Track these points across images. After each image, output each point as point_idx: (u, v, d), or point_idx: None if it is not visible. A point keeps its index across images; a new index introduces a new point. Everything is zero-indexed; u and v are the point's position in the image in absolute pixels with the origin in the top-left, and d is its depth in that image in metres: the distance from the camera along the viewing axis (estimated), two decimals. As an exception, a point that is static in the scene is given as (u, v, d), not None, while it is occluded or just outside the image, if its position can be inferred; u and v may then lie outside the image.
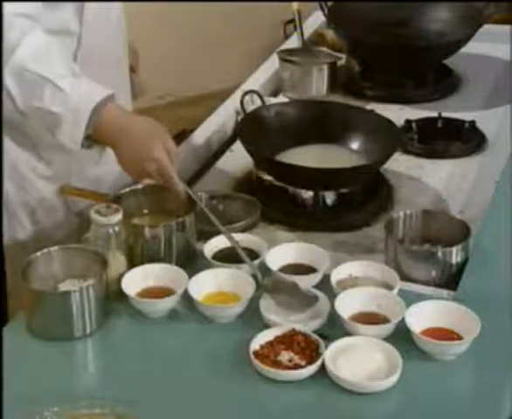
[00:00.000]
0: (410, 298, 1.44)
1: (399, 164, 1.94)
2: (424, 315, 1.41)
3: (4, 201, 1.75)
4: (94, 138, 1.58)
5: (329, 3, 2.40)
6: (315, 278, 1.53)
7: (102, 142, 1.59)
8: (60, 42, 1.63)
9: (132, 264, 1.52)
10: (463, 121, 2.10)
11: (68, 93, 1.54)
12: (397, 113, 2.11)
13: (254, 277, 1.50)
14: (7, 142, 1.72)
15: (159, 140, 1.57)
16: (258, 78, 2.33)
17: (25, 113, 1.57)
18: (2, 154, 1.76)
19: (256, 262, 1.55)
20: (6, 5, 1.51)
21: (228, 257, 1.58)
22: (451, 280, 1.54)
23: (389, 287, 1.49)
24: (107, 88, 1.58)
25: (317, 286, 1.51)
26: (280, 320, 1.42)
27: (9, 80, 1.54)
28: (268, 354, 1.35)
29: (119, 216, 1.48)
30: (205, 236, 1.62)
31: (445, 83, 2.36)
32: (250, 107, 2.05)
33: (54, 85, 1.54)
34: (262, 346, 1.37)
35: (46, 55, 1.57)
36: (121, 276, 1.49)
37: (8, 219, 1.77)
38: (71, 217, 1.82)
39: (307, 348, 1.36)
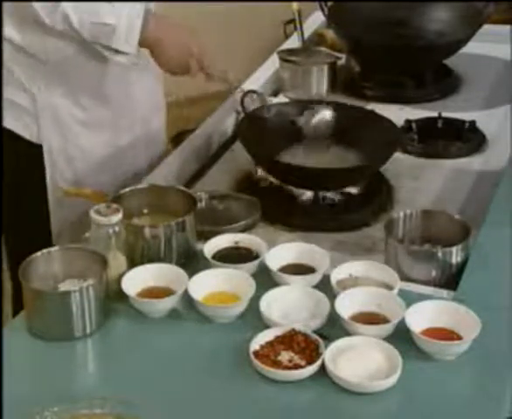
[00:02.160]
0: (410, 298, 1.44)
1: (399, 164, 1.94)
2: (424, 315, 1.41)
3: (46, 151, 1.89)
4: (141, 42, 1.78)
5: (329, 3, 2.40)
6: (315, 278, 1.53)
7: (146, 45, 1.80)
8: None
9: (132, 264, 1.52)
10: (463, 121, 2.10)
11: (119, 6, 1.75)
12: (397, 113, 2.11)
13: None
14: (51, 90, 1.85)
15: (190, 40, 1.86)
16: (258, 78, 2.33)
17: (80, 30, 1.75)
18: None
19: (256, 262, 1.55)
20: None
21: (228, 257, 1.58)
22: (451, 280, 1.54)
23: (389, 287, 1.49)
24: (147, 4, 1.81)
25: (317, 286, 1.51)
26: (280, 320, 1.42)
27: (67, 6, 1.72)
28: (268, 354, 1.35)
29: (119, 216, 1.48)
30: (205, 236, 1.62)
31: (445, 83, 2.36)
32: (250, 107, 2.05)
33: (107, 1, 1.74)
34: (262, 346, 1.37)
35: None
36: (120, 276, 1.49)
37: (50, 166, 1.90)
38: (111, 166, 1.96)
39: (307, 348, 1.36)
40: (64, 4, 1.72)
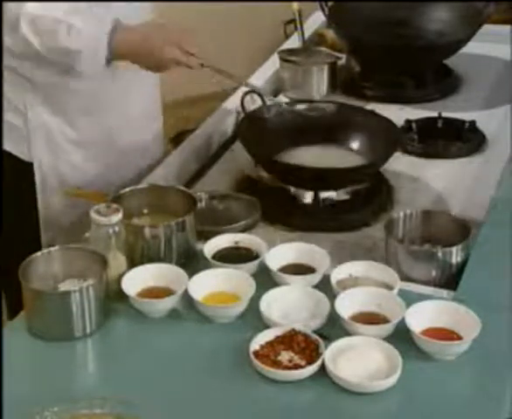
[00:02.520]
0: (410, 298, 1.44)
1: (399, 164, 1.94)
2: (424, 315, 1.41)
3: (38, 167, 1.86)
4: (112, 58, 1.73)
5: (329, 3, 2.40)
6: (315, 278, 1.53)
7: (121, 61, 1.75)
8: None
9: (132, 264, 1.52)
10: (463, 121, 2.10)
11: (81, 28, 1.69)
12: (397, 113, 2.11)
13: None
14: (40, 107, 1.82)
15: (167, 39, 1.75)
16: (258, 79, 2.33)
17: (46, 56, 1.71)
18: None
19: (256, 262, 1.55)
20: None
21: (228, 257, 1.58)
22: (451, 280, 1.54)
23: (389, 287, 1.49)
24: (111, 19, 1.73)
25: (317, 286, 1.51)
26: (280, 320, 1.42)
27: (27, 34, 1.68)
28: (268, 354, 1.35)
29: (119, 216, 1.48)
30: (205, 236, 1.62)
31: (445, 83, 2.36)
32: (250, 107, 2.05)
33: (66, 24, 1.68)
34: (262, 346, 1.37)
35: (51, 5, 1.70)
36: (120, 276, 1.49)
37: (41, 185, 1.87)
38: (102, 182, 1.92)
39: (307, 348, 1.36)
40: (22, 31, 1.68)
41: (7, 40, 1.72)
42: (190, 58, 1.76)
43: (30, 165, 1.86)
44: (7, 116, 1.83)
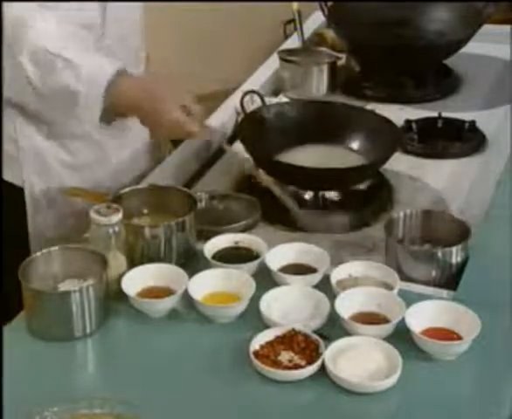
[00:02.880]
0: (410, 298, 1.44)
1: (399, 164, 1.94)
2: (424, 315, 1.41)
3: (29, 189, 1.80)
4: (113, 110, 1.61)
5: (329, 3, 2.40)
6: (315, 278, 1.53)
7: (120, 115, 1.65)
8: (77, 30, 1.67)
9: (132, 264, 1.52)
10: (463, 121, 2.10)
11: (82, 68, 1.58)
12: (397, 113, 2.11)
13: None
14: (32, 132, 1.77)
15: (172, 99, 1.62)
16: (258, 78, 2.33)
17: (43, 94, 1.60)
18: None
19: (256, 262, 1.55)
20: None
21: (228, 257, 1.58)
22: (451, 280, 1.54)
23: (389, 287, 1.49)
24: (115, 61, 1.61)
25: (317, 286, 1.51)
26: (280, 320, 1.42)
27: (25, 62, 1.58)
28: (268, 354, 1.35)
29: (119, 216, 1.48)
30: (205, 236, 1.62)
31: (445, 83, 2.36)
32: (250, 107, 2.05)
33: (67, 61, 1.58)
34: (262, 346, 1.37)
35: (59, 35, 1.61)
36: (120, 276, 1.49)
37: (33, 208, 1.81)
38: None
39: (307, 348, 1.36)
40: (24, 65, 1.59)
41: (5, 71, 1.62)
42: (200, 128, 1.65)
43: (21, 190, 1.80)
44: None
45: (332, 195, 1.81)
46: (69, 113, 1.65)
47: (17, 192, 1.80)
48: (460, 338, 1.38)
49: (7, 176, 1.79)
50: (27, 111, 1.74)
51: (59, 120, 1.75)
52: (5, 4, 1.58)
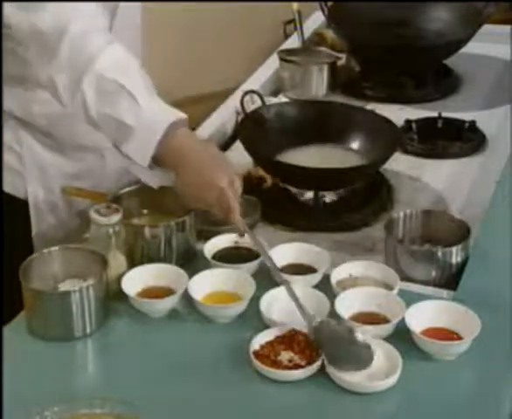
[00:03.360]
0: (410, 298, 1.44)
1: (399, 164, 1.94)
2: (424, 315, 1.41)
3: (33, 200, 1.78)
4: (159, 158, 1.52)
5: (329, 3, 2.40)
6: (315, 278, 1.53)
7: (166, 165, 1.54)
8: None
9: (132, 264, 1.52)
10: (463, 121, 2.10)
11: (144, 108, 1.50)
12: (397, 113, 2.11)
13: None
14: (36, 145, 1.75)
15: (225, 171, 1.53)
16: (258, 78, 2.33)
17: (96, 122, 1.54)
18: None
19: (256, 262, 1.55)
20: (78, 21, 1.51)
21: (228, 257, 1.58)
22: (451, 280, 1.54)
23: (389, 287, 1.49)
24: (180, 112, 1.55)
25: (317, 286, 1.51)
26: (280, 320, 1.42)
27: (86, 87, 1.51)
28: (268, 354, 1.35)
29: (119, 216, 1.48)
30: (205, 236, 1.62)
31: (445, 83, 2.36)
32: (250, 107, 2.05)
33: (131, 97, 1.50)
34: (262, 346, 1.37)
35: (127, 67, 1.55)
36: (120, 276, 1.49)
37: (36, 219, 1.79)
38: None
39: (307, 348, 1.36)
40: (84, 88, 1.51)
41: (65, 100, 1.56)
42: (230, 212, 1.52)
43: (25, 202, 1.78)
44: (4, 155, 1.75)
45: (332, 194, 1.81)
46: (118, 146, 1.56)
47: (20, 204, 1.79)
48: (460, 338, 1.38)
49: (8, 189, 1.77)
50: (34, 126, 1.73)
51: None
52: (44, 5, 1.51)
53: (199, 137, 1.63)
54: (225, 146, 2.09)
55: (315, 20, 2.66)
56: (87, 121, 1.55)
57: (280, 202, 1.81)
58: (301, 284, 1.50)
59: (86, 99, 1.51)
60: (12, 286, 1.46)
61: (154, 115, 1.51)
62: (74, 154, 1.80)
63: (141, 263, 1.53)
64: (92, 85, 1.51)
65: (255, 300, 1.45)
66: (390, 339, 1.38)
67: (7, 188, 1.77)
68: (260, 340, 1.37)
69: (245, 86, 2.23)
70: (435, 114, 2.13)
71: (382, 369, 1.32)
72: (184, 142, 1.52)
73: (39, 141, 1.77)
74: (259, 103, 2.04)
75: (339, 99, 2.23)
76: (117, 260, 1.49)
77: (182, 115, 1.54)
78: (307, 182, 1.80)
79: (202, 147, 1.56)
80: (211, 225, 1.67)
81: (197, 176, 1.51)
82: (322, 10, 2.40)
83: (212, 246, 1.60)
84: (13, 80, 1.67)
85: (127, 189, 1.66)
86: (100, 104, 1.52)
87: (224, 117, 2.15)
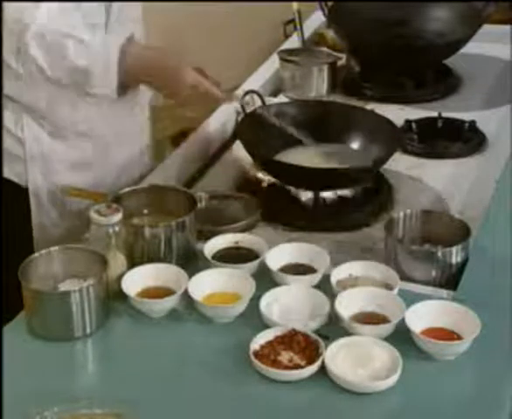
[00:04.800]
0: (410, 298, 1.44)
1: (399, 164, 1.94)
2: (424, 315, 1.41)
3: (33, 189, 1.80)
4: (124, 81, 1.63)
5: (329, 3, 2.40)
6: (315, 278, 1.53)
7: (131, 83, 1.66)
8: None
9: (132, 264, 1.52)
10: (463, 121, 2.10)
11: (91, 44, 1.58)
12: (397, 113, 2.11)
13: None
14: (39, 132, 1.77)
15: (187, 63, 1.69)
16: (258, 79, 2.33)
17: (55, 79, 1.61)
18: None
19: (256, 262, 1.55)
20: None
21: (228, 257, 1.58)
22: (451, 280, 1.54)
23: (389, 287, 1.49)
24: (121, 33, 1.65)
25: (317, 286, 1.51)
26: (280, 320, 1.42)
27: (33, 49, 1.58)
28: (268, 354, 1.35)
29: (119, 216, 1.48)
30: (205, 236, 1.62)
31: (445, 83, 2.36)
32: (250, 107, 2.04)
33: (75, 39, 1.58)
34: (262, 346, 1.37)
35: (63, 14, 1.61)
36: (120, 276, 1.49)
37: (36, 208, 1.82)
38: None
39: (307, 348, 1.36)
40: (32, 50, 1.59)
41: (11, 62, 1.64)
42: (209, 83, 1.70)
43: (25, 189, 1.81)
44: (4, 141, 1.77)
45: (332, 194, 1.81)
46: (83, 91, 1.66)
47: (21, 191, 1.81)
48: (460, 338, 1.38)
49: (10, 175, 1.80)
50: (36, 110, 1.75)
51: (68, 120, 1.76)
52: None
53: (147, 45, 1.73)
54: (225, 146, 2.09)
55: (315, 20, 2.66)
56: (50, 82, 1.63)
57: (280, 202, 1.81)
58: (301, 284, 1.50)
59: (37, 60, 1.60)
60: (11, 276, 1.48)
61: (103, 46, 1.60)
62: (75, 143, 1.81)
63: (141, 263, 1.53)
64: (36, 45, 1.58)
65: (255, 300, 1.45)
66: (390, 339, 1.38)
67: (8, 175, 1.80)
68: (260, 339, 1.37)
69: (245, 86, 2.22)
70: (435, 114, 2.13)
71: (382, 369, 1.32)
72: (141, 55, 1.65)
73: (41, 126, 1.78)
74: (259, 103, 2.04)
75: (339, 99, 2.23)
76: (117, 260, 1.49)
77: (126, 34, 1.64)
78: (306, 182, 1.80)
79: (155, 49, 1.69)
80: (211, 225, 1.67)
81: (169, 75, 1.66)
82: (322, 10, 2.41)
83: (212, 246, 1.60)
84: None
85: (127, 189, 1.66)
86: (51, 60, 1.59)
87: (224, 117, 2.15)
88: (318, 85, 2.28)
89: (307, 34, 2.46)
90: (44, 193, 1.82)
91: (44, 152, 1.80)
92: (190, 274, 1.50)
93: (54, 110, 1.76)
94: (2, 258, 1.81)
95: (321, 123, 1.94)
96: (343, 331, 1.40)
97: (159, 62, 1.67)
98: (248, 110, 2.01)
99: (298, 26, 2.40)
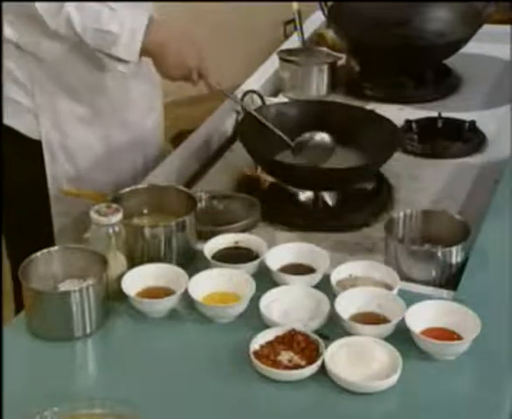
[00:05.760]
0: (410, 298, 1.44)
1: (399, 164, 1.94)
2: (424, 315, 1.41)
3: (47, 145, 1.90)
4: (142, 52, 1.79)
5: (329, 3, 2.40)
6: (315, 278, 1.53)
7: (148, 54, 1.81)
8: None
9: (132, 264, 1.52)
10: (463, 121, 2.10)
11: (122, 14, 1.76)
12: (397, 113, 2.11)
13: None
14: (46, 83, 1.86)
15: (196, 46, 1.86)
16: (258, 79, 2.33)
17: (82, 36, 1.76)
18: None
19: (256, 262, 1.55)
20: None
21: (228, 257, 1.58)
22: (451, 280, 1.54)
23: (389, 287, 1.49)
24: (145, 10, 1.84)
25: (317, 286, 1.51)
26: (280, 320, 1.42)
27: (72, 13, 1.73)
28: (268, 354, 1.35)
29: (119, 216, 1.48)
30: (205, 236, 1.62)
31: (445, 83, 2.36)
32: (250, 107, 2.04)
33: (109, 7, 1.75)
34: (262, 346, 1.37)
35: None
36: (120, 276, 1.49)
37: (50, 163, 1.91)
38: (109, 162, 1.98)
39: (307, 348, 1.36)
40: (67, 9, 1.73)
41: (48, 21, 1.75)
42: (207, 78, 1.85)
43: (38, 143, 1.89)
44: (16, 95, 1.86)
45: (332, 194, 1.81)
46: (106, 51, 1.79)
47: (34, 144, 1.89)
48: (460, 338, 1.38)
49: (22, 129, 1.88)
50: (42, 60, 1.83)
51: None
52: None
53: (169, 24, 1.87)
54: (225, 146, 2.09)
55: (315, 20, 2.66)
56: (73, 38, 1.77)
57: (280, 202, 1.81)
58: (301, 284, 1.50)
59: (70, 17, 1.74)
60: (25, 231, 1.64)
61: (132, 17, 1.77)
62: (84, 97, 1.90)
63: (141, 263, 1.53)
64: (75, 8, 1.74)
65: (255, 300, 1.45)
66: (390, 339, 1.38)
67: (20, 129, 1.88)
68: (260, 339, 1.37)
69: (245, 86, 2.23)
70: (435, 114, 2.13)
71: (382, 369, 1.32)
72: (158, 33, 1.81)
73: (51, 79, 1.86)
74: (259, 103, 2.04)
75: (339, 99, 2.23)
76: (117, 260, 1.49)
77: (149, 13, 1.82)
78: (307, 182, 1.80)
79: (170, 33, 1.85)
80: (211, 225, 1.67)
81: (178, 54, 1.82)
82: (322, 10, 2.40)
83: (212, 246, 1.60)
84: (22, 14, 1.78)
85: (127, 189, 1.66)
86: (85, 21, 1.75)
87: (224, 117, 2.15)
88: (318, 85, 2.28)
89: (307, 34, 2.46)
90: (58, 146, 1.90)
91: (54, 104, 1.87)
92: (190, 274, 1.50)
93: (62, 62, 1.85)
94: (2, 258, 1.81)
95: (321, 123, 1.94)
96: (343, 331, 1.40)
97: (173, 43, 1.82)
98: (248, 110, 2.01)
99: (298, 26, 2.40)
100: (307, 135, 1.88)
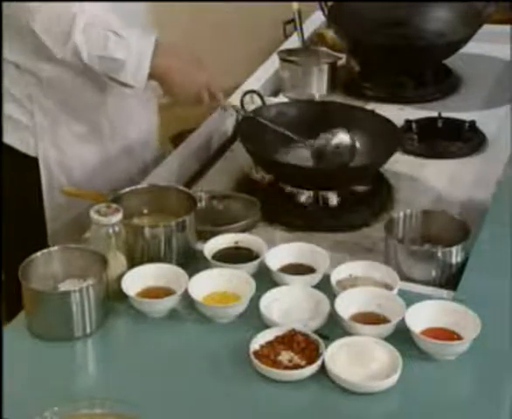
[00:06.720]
0: (410, 298, 1.44)
1: (399, 164, 1.94)
2: (424, 315, 1.41)
3: (44, 161, 1.89)
4: (149, 75, 1.78)
5: (329, 3, 2.40)
6: (315, 278, 1.53)
7: (154, 78, 1.80)
8: None
9: (132, 264, 1.52)
10: (463, 121, 2.10)
11: (129, 40, 1.75)
12: (397, 113, 2.11)
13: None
14: (45, 101, 1.86)
15: (203, 66, 1.88)
16: (258, 78, 2.33)
17: (88, 64, 1.75)
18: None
19: (256, 262, 1.55)
20: None
21: (228, 257, 1.58)
22: (451, 280, 1.54)
23: (389, 287, 1.49)
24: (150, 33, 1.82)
25: (317, 286, 1.51)
26: (280, 320, 1.42)
27: (77, 35, 1.72)
28: (268, 354, 1.35)
29: (119, 216, 1.48)
30: (205, 236, 1.62)
31: (445, 83, 2.36)
32: (250, 107, 2.04)
33: (115, 34, 1.74)
34: (262, 346, 1.37)
35: (104, 15, 1.78)
36: (120, 276, 1.49)
37: (46, 176, 1.90)
38: (105, 173, 1.95)
39: (307, 348, 1.36)
40: (75, 39, 1.72)
41: (55, 51, 1.75)
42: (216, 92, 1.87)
43: (35, 160, 1.89)
44: (12, 112, 1.86)
45: (332, 195, 1.81)
46: (114, 78, 1.78)
47: (32, 163, 1.89)
48: (460, 338, 1.38)
49: (19, 146, 1.88)
50: (41, 78, 1.83)
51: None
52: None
53: (174, 47, 1.88)
54: (225, 146, 2.09)
55: (315, 20, 2.66)
56: (80, 66, 1.77)
57: (280, 202, 1.81)
58: (301, 284, 1.50)
59: (77, 48, 1.73)
60: (21, 246, 1.59)
61: (138, 44, 1.76)
62: (83, 115, 1.90)
63: (141, 263, 1.53)
64: (82, 35, 1.72)
65: (255, 300, 1.45)
66: (390, 339, 1.38)
67: (18, 146, 1.88)
68: (260, 339, 1.37)
69: (245, 86, 2.23)
70: (435, 114, 2.13)
71: (382, 369, 1.32)
72: (166, 55, 1.80)
73: (49, 98, 1.85)
74: (259, 103, 2.04)
75: (339, 99, 2.23)
76: (117, 260, 1.49)
77: (155, 35, 1.79)
78: (306, 182, 1.80)
79: (177, 57, 1.85)
80: (211, 225, 1.67)
81: (185, 75, 1.83)
82: (322, 10, 2.41)
83: (212, 246, 1.60)
84: (21, 32, 1.77)
85: (127, 189, 1.66)
86: (92, 48, 1.74)
87: (224, 117, 2.15)
88: (318, 85, 2.28)
89: (307, 34, 2.46)
90: (55, 164, 1.90)
91: (52, 122, 1.87)
92: (190, 274, 1.50)
93: (61, 81, 1.84)
94: (2, 258, 1.81)
95: (321, 123, 1.94)
96: (343, 331, 1.40)
97: (181, 67, 1.82)
98: (248, 110, 2.01)
99: (298, 26, 2.40)
100: (323, 138, 1.86)
